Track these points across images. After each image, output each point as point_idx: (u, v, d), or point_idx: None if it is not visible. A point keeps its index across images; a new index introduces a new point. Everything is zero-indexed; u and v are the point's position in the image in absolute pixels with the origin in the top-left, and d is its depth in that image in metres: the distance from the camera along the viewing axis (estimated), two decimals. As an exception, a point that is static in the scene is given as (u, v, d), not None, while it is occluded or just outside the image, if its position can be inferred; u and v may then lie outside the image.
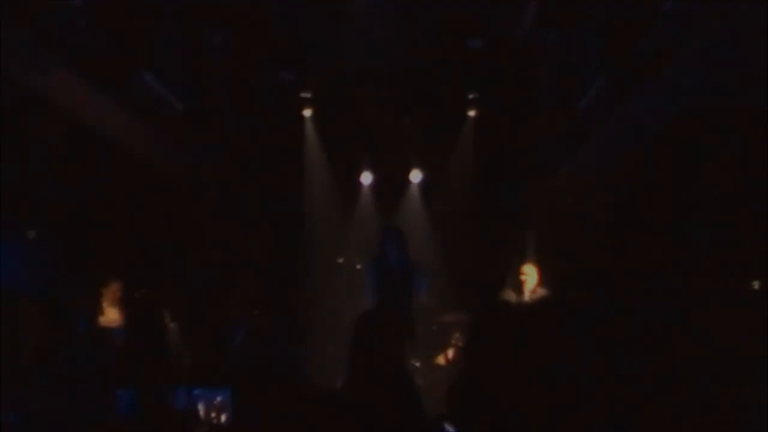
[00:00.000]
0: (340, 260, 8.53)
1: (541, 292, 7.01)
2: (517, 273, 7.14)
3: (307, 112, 9.35)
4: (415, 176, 9.85)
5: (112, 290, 6.92)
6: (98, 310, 6.80)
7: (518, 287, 7.10)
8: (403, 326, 3.18)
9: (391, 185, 9.82)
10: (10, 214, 6.41)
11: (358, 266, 8.12)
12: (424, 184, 9.89)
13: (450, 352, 7.71)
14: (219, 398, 3.96)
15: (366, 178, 9.84)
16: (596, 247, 7.76)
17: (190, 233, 8.84)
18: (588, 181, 8.17)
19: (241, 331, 6.51)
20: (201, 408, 4.04)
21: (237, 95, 8.49)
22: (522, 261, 7.34)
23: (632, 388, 2.30)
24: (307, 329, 8.40)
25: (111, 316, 6.86)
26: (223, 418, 3.93)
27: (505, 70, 8.50)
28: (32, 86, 5.72)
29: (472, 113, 9.44)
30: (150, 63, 7.03)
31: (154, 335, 3.91)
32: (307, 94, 9.15)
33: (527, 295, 7.05)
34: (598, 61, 6.92)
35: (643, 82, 6.01)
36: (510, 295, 7.11)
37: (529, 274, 7.08)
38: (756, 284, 5.59)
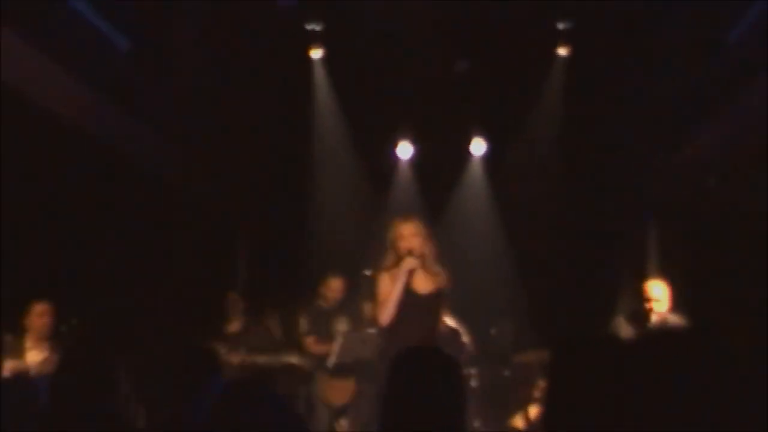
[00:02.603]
0: (368, 272, 7.77)
1: (673, 320, 6.74)
2: (638, 293, 6.95)
3: (316, 53, 9.00)
4: (477, 147, 9.65)
5: (37, 319, 6.74)
6: (16, 350, 6.67)
7: (639, 315, 6.93)
8: (460, 370, 3.05)
9: (442, 160, 9.66)
10: None
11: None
12: (490, 159, 9.71)
13: (532, 410, 7.48)
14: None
15: (404, 150, 9.68)
16: (751, 253, 7.44)
17: (157, 239, 8.72)
18: (739, 153, 7.87)
19: (215, 382, 6.16)
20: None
21: (209, 28, 8.18)
22: (642, 275, 7.49)
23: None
24: (318, 376, 7.94)
25: (34, 357, 6.67)
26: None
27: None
28: None
29: (562, 52, 8.88)
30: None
31: (91, 390, 3.72)
32: (315, 26, 8.73)
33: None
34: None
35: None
36: (625, 328, 6.95)
37: (658, 295, 6.78)
38: None
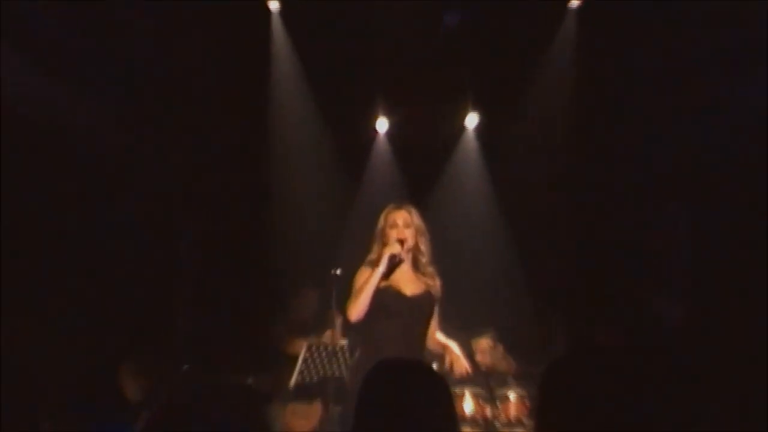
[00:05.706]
0: (338, 271, 7.16)
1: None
2: None
3: (274, 4, 8.68)
4: (470, 120, 9.32)
5: None
6: None
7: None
8: (448, 388, 2.93)
9: (427, 135, 9.22)
10: None
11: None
12: (486, 133, 9.34)
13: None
14: None
15: (382, 123, 9.31)
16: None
17: (97, 221, 8.12)
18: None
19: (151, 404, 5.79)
20: None
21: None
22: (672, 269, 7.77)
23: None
24: (277, 395, 7.30)
25: None
26: None
27: None
28: None
29: (574, 3, 8.51)
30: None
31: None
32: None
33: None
34: None
35: None
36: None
37: None
38: None
